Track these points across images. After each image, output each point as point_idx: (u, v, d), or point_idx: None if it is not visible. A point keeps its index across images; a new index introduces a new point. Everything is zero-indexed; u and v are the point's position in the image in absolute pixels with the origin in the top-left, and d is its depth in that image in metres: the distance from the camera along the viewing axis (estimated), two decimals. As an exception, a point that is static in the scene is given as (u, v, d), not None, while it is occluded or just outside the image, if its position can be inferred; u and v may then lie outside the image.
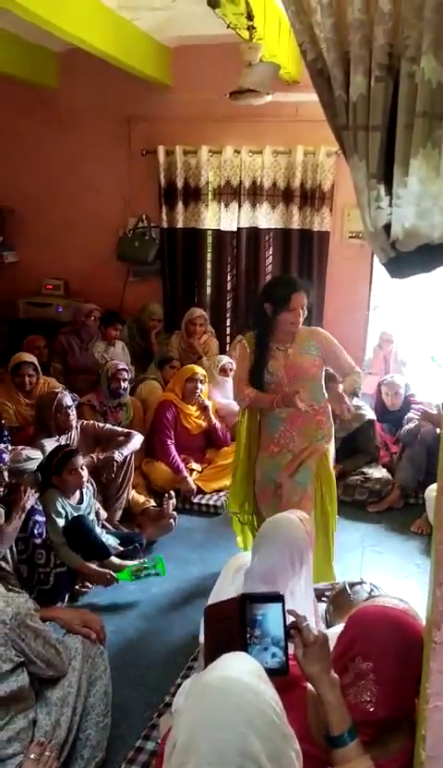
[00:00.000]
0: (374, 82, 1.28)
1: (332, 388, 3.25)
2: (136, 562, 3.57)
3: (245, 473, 3.45)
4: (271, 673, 1.21)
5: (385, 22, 1.25)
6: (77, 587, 3.48)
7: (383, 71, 1.27)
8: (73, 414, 4.06)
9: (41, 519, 3.34)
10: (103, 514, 3.90)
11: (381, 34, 1.26)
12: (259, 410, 3.32)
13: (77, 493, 3.62)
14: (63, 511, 3.46)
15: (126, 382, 4.55)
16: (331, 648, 1.53)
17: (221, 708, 1.05)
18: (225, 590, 2.29)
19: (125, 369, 4.54)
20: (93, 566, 3.43)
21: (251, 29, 3.56)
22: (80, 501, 3.62)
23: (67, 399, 4.04)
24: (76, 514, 3.51)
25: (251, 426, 3.38)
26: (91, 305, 5.60)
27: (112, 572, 3.43)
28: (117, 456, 4.02)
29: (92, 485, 3.85)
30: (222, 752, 1.02)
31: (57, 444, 3.89)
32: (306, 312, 3.22)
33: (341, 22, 1.30)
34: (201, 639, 2.42)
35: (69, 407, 4.02)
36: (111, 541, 3.67)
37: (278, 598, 1.48)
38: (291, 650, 1.47)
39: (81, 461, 3.60)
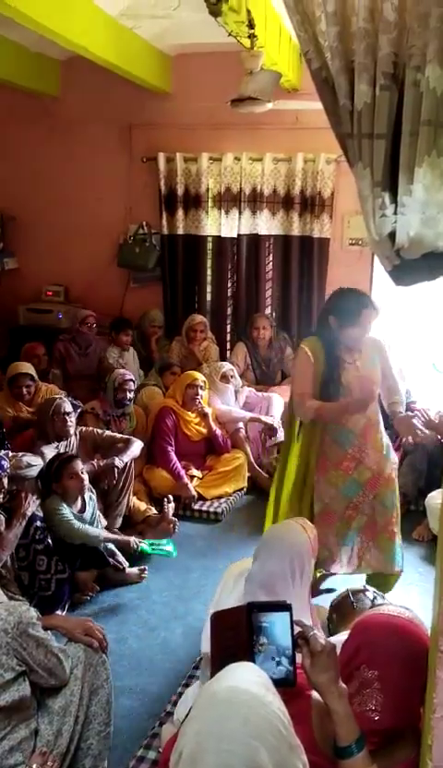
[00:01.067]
0: (379, 91, 1.28)
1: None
2: (152, 541, 3.79)
3: (298, 495, 3.17)
4: (278, 684, 1.20)
5: (390, 31, 1.26)
6: (77, 594, 3.47)
7: (388, 80, 1.27)
8: (71, 420, 4.05)
9: (41, 525, 3.33)
10: (103, 521, 3.89)
11: (386, 43, 1.26)
12: (323, 424, 3.08)
13: (80, 501, 3.61)
14: (68, 513, 3.46)
15: (132, 392, 4.55)
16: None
17: (229, 719, 1.04)
18: (225, 597, 2.28)
19: (131, 380, 4.53)
20: (115, 535, 3.62)
21: (252, 37, 3.57)
22: (83, 510, 3.61)
23: (67, 405, 4.03)
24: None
25: (311, 442, 3.11)
26: (86, 311, 5.61)
27: (136, 540, 3.66)
28: (118, 462, 4.01)
29: (93, 492, 3.84)
30: (229, 764, 1.01)
31: (57, 451, 3.89)
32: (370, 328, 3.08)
33: (346, 31, 1.31)
34: (202, 648, 2.41)
35: (68, 413, 4.01)
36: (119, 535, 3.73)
37: (285, 607, 1.47)
38: (298, 659, 1.46)
39: (81, 465, 3.60)
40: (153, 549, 3.73)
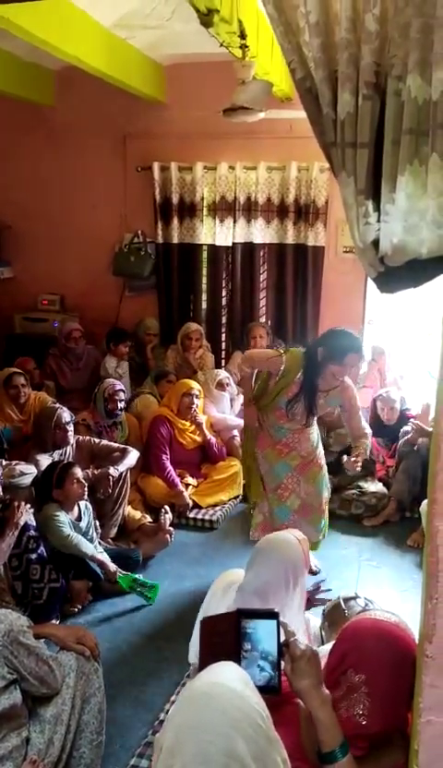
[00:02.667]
0: (361, 100, 1.29)
1: (348, 461, 3.53)
2: (139, 576, 3.63)
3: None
4: (262, 690, 1.21)
5: (372, 41, 1.27)
6: (67, 605, 3.46)
7: (370, 89, 1.29)
8: (71, 429, 4.07)
9: (35, 534, 3.32)
10: (98, 532, 3.88)
11: (368, 53, 1.28)
12: (267, 408, 3.53)
13: (76, 509, 3.61)
14: (66, 521, 3.46)
15: (122, 402, 4.55)
16: (325, 662, 1.53)
17: (207, 711, 1.06)
18: (214, 607, 2.28)
19: (121, 390, 4.54)
20: (105, 557, 3.58)
21: (244, 47, 3.60)
22: (79, 519, 3.61)
23: (66, 415, 4.06)
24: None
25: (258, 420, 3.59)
26: (72, 324, 5.62)
27: (118, 569, 3.59)
28: (113, 471, 4.01)
29: (89, 502, 3.85)
30: (207, 753, 1.02)
31: (51, 460, 3.89)
32: (351, 372, 3.50)
33: (329, 42, 1.32)
34: (190, 658, 2.42)
35: (68, 423, 4.03)
36: (105, 557, 3.65)
37: (272, 615, 1.47)
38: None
39: (80, 472, 3.62)
40: (133, 587, 3.57)
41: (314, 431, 3.64)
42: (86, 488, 3.61)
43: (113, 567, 3.57)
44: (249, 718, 1.07)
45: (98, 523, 3.87)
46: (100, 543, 3.81)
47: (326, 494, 3.73)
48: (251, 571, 2.19)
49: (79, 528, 3.57)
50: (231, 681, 1.11)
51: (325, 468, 3.72)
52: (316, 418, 3.58)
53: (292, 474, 3.59)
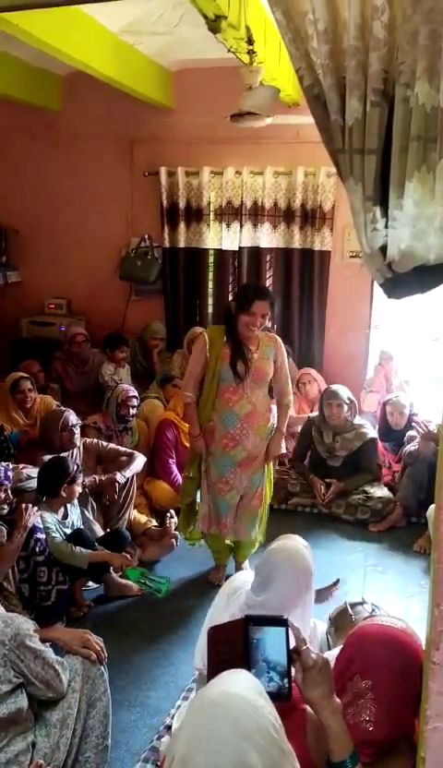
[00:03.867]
0: (369, 107, 1.30)
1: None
2: (146, 571, 3.65)
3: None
4: (272, 698, 1.20)
5: (380, 49, 1.28)
6: (73, 609, 3.46)
7: (378, 96, 1.29)
8: (77, 432, 4.07)
9: (42, 537, 3.33)
10: (98, 530, 3.86)
11: (376, 60, 1.28)
12: (212, 405, 3.48)
13: (62, 509, 3.59)
14: (53, 523, 3.45)
15: (135, 408, 4.55)
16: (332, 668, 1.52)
17: (219, 721, 1.05)
18: (220, 614, 2.28)
19: (135, 396, 4.53)
20: (105, 552, 3.52)
21: (251, 53, 3.60)
22: (65, 517, 3.60)
23: (73, 417, 4.06)
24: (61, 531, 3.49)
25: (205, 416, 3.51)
26: (76, 328, 5.64)
27: (128, 557, 3.58)
28: (120, 478, 4.00)
29: (93, 505, 3.85)
30: (219, 764, 1.01)
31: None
32: (267, 322, 3.44)
33: (337, 49, 1.33)
34: (195, 664, 2.41)
35: (74, 426, 4.04)
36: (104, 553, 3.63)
37: (282, 622, 1.46)
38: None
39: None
40: (141, 580, 3.57)
41: (266, 420, 3.53)
42: (78, 491, 3.60)
43: (117, 560, 3.52)
44: (262, 729, 1.06)
45: (95, 523, 3.86)
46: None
47: (265, 492, 3.68)
48: (270, 589, 2.18)
49: (65, 526, 3.53)
50: (244, 690, 1.10)
51: (270, 466, 3.71)
52: (267, 390, 3.53)
53: (234, 471, 3.54)
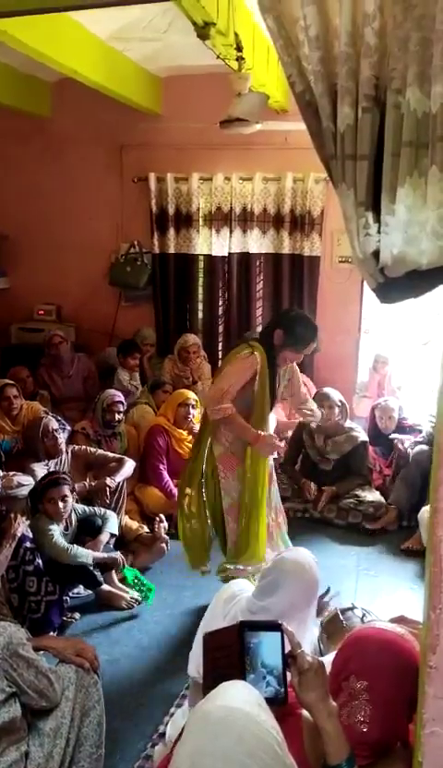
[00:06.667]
0: (361, 113, 1.31)
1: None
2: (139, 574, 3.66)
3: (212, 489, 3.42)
4: (268, 703, 1.20)
5: (371, 55, 1.29)
6: (64, 618, 3.44)
7: (370, 102, 1.30)
8: (61, 437, 4.05)
9: (31, 546, 3.31)
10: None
11: (368, 67, 1.29)
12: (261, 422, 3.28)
13: (65, 521, 3.58)
14: (58, 533, 3.45)
15: (121, 414, 4.55)
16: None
17: (223, 737, 1.04)
18: (216, 621, 2.28)
19: (120, 401, 4.53)
20: (102, 554, 3.54)
21: (240, 59, 3.62)
22: (67, 528, 3.60)
23: (53, 423, 4.04)
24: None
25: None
26: (52, 330, 5.60)
27: (122, 556, 3.63)
28: (110, 482, 4.00)
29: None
30: None
31: (48, 470, 3.88)
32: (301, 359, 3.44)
33: (329, 55, 1.33)
34: (189, 671, 2.40)
35: (56, 430, 4.02)
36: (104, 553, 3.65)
37: (276, 627, 1.46)
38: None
39: (65, 491, 3.50)
40: (135, 582, 3.59)
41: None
42: (69, 507, 3.55)
43: (118, 557, 3.59)
44: (265, 744, 1.05)
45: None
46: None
47: (225, 503, 3.40)
48: (276, 594, 2.18)
49: (67, 537, 3.55)
50: (245, 704, 1.10)
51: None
52: None
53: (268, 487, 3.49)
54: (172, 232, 5.80)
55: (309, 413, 3.73)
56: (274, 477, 3.62)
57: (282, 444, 3.62)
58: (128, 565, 3.86)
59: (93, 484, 4.01)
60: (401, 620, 2.13)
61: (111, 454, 4.31)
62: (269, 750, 1.05)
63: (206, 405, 3.29)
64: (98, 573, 3.54)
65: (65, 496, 3.50)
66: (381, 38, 1.28)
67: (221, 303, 5.89)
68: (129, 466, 4.22)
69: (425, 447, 4.53)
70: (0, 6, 2.71)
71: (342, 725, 1.43)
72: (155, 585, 3.64)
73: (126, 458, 4.28)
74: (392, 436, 4.84)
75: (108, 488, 3.98)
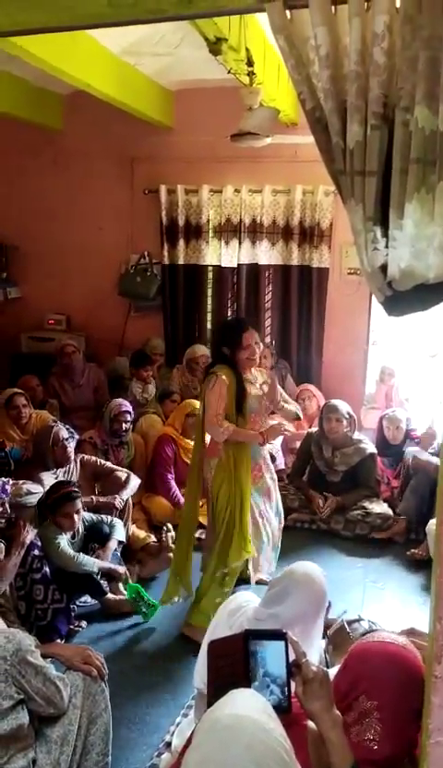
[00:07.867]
0: (370, 130, 1.34)
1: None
2: (142, 590, 3.62)
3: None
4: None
5: (380, 74, 1.32)
6: (71, 626, 3.45)
7: (378, 120, 1.33)
8: (70, 446, 4.07)
9: (39, 554, 3.33)
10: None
11: (377, 85, 1.32)
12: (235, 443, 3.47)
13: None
14: (65, 542, 3.46)
15: (128, 423, 4.57)
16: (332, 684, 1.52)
17: (231, 746, 1.04)
18: (221, 630, 2.28)
19: (128, 411, 4.54)
20: (107, 564, 3.60)
21: (251, 74, 3.66)
22: (74, 537, 3.61)
23: (63, 431, 4.06)
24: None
25: (242, 456, 3.50)
26: (65, 339, 5.65)
27: (126, 571, 3.71)
28: (118, 503, 4.03)
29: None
30: None
31: (56, 478, 3.90)
32: (261, 346, 3.64)
33: (338, 74, 1.36)
34: (195, 683, 2.41)
35: (66, 439, 4.03)
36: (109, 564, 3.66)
37: (281, 636, 1.47)
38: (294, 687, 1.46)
39: (79, 505, 3.54)
40: (135, 598, 3.56)
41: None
42: (79, 520, 3.57)
43: (122, 569, 3.63)
44: (274, 752, 1.05)
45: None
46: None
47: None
48: (284, 603, 2.19)
49: (74, 546, 3.57)
50: (254, 712, 1.10)
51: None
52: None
53: (264, 501, 3.70)
54: (181, 243, 5.85)
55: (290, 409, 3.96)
56: (276, 486, 3.80)
57: (282, 460, 3.81)
58: (136, 574, 3.88)
59: (101, 499, 4.03)
60: (410, 633, 2.14)
61: (119, 469, 4.32)
62: (277, 758, 1.05)
63: (208, 432, 3.47)
64: (104, 582, 3.55)
65: (79, 510, 3.54)
66: (390, 57, 1.31)
67: (229, 313, 5.92)
68: (135, 483, 4.24)
69: (435, 459, 4.52)
70: (15, 24, 2.76)
71: (352, 742, 1.43)
72: (162, 595, 3.63)
73: (133, 475, 4.30)
74: (408, 450, 4.81)
75: (116, 509, 4.01)
